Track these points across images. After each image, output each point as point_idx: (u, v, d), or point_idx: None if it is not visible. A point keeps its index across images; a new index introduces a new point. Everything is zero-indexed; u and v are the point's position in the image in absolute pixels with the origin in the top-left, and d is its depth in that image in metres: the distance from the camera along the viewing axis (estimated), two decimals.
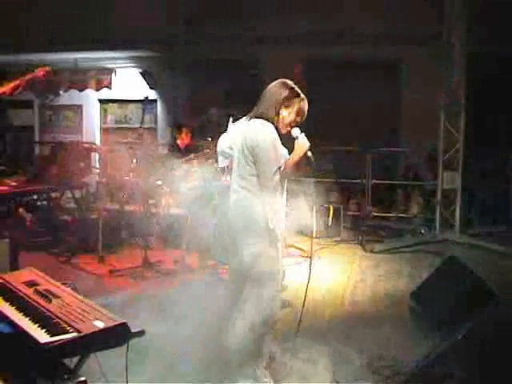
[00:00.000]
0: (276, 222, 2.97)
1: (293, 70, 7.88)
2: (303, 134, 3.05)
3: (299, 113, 3.07)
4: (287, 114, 3.05)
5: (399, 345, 3.62)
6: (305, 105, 3.09)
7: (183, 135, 7.03)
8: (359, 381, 3.24)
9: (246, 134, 3.04)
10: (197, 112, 8.32)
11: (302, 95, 3.09)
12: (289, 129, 3.07)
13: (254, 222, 2.98)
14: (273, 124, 3.01)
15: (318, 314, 4.43)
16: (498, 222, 7.50)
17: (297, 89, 3.09)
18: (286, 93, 3.04)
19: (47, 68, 5.43)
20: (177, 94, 9.43)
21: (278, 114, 3.04)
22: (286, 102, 3.04)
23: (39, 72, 5.35)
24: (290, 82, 3.11)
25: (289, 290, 4.76)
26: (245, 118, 3.16)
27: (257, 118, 3.04)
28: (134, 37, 8.61)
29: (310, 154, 3.03)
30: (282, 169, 2.98)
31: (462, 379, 3.24)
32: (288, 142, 3.09)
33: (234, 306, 3.15)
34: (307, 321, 4.14)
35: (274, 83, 3.11)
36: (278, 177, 2.95)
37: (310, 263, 3.31)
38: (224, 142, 3.33)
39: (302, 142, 3.02)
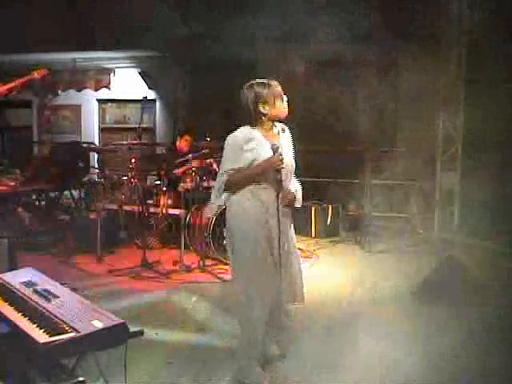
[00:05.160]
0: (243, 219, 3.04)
1: (293, 69, 7.89)
2: (280, 150, 3.00)
3: (277, 97, 3.06)
4: (270, 107, 3.05)
5: (399, 344, 3.61)
6: (275, 87, 3.07)
7: (184, 139, 7.01)
8: (359, 381, 3.23)
9: None
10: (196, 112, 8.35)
11: (266, 81, 3.08)
12: (285, 112, 3.09)
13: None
14: (260, 124, 3.06)
15: (317, 314, 4.42)
16: (497, 222, 7.49)
17: (259, 81, 3.09)
18: (252, 94, 3.04)
19: (44, 70, 5.42)
20: (176, 95, 9.43)
21: (261, 114, 3.05)
22: (260, 100, 3.04)
23: (36, 74, 5.34)
24: (250, 82, 3.10)
25: None
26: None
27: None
28: (133, 37, 8.59)
29: (279, 177, 2.98)
30: (241, 170, 3.01)
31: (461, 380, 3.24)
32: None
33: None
34: (306, 321, 4.15)
35: (241, 93, 3.10)
36: (224, 179, 3.02)
37: None
38: None
39: (273, 159, 2.97)
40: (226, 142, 3.06)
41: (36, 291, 2.44)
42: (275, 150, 2.98)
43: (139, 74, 9.58)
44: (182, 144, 7.00)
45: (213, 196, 3.15)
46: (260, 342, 3.14)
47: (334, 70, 7.70)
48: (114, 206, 6.43)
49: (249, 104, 3.05)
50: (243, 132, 3.06)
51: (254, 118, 3.07)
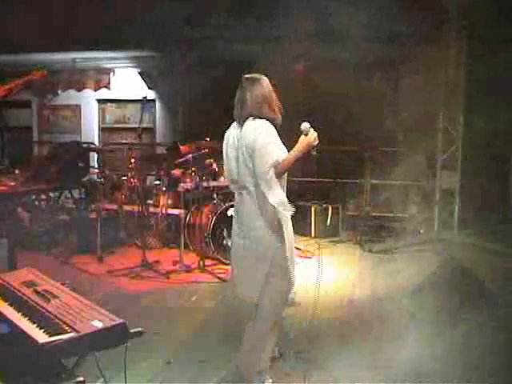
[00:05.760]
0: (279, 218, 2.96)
1: (293, 70, 7.87)
2: (312, 129, 2.97)
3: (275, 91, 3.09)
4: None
5: (399, 344, 3.61)
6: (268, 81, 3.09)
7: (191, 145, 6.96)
8: (358, 380, 3.23)
9: (242, 135, 3.00)
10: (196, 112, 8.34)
11: (263, 76, 3.09)
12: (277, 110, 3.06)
13: (256, 222, 2.99)
14: (268, 120, 3.00)
15: (317, 314, 4.42)
16: (496, 222, 7.49)
17: (259, 76, 3.08)
18: (270, 86, 3.04)
19: (44, 70, 5.44)
20: (176, 95, 9.42)
21: (274, 106, 3.03)
22: (274, 92, 3.05)
23: (36, 74, 5.36)
24: (257, 74, 3.09)
25: None
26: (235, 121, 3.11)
27: (251, 118, 2.99)
28: (133, 37, 8.59)
29: (314, 153, 2.97)
30: (278, 163, 2.88)
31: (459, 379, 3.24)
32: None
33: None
34: (307, 321, 4.15)
35: (254, 83, 3.04)
36: (272, 171, 2.86)
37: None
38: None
39: (310, 140, 2.94)
40: (264, 135, 2.90)
41: (36, 291, 2.44)
42: (308, 129, 2.97)
43: (139, 74, 9.57)
44: (187, 149, 6.96)
45: (273, 194, 2.90)
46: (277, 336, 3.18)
47: (332, 69, 7.69)
48: (114, 206, 6.43)
49: (271, 94, 3.03)
50: (270, 125, 2.97)
51: (268, 110, 3.01)
